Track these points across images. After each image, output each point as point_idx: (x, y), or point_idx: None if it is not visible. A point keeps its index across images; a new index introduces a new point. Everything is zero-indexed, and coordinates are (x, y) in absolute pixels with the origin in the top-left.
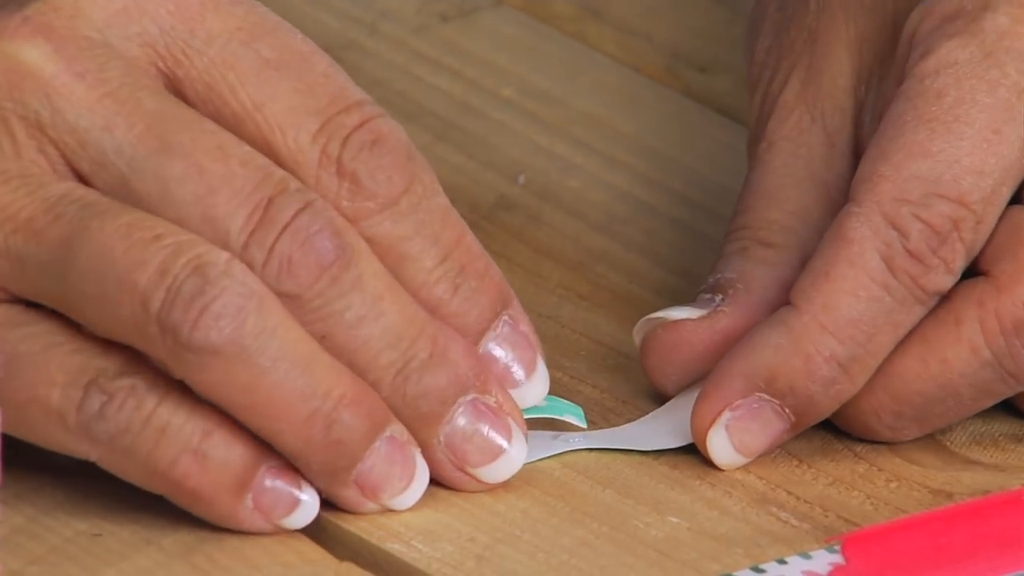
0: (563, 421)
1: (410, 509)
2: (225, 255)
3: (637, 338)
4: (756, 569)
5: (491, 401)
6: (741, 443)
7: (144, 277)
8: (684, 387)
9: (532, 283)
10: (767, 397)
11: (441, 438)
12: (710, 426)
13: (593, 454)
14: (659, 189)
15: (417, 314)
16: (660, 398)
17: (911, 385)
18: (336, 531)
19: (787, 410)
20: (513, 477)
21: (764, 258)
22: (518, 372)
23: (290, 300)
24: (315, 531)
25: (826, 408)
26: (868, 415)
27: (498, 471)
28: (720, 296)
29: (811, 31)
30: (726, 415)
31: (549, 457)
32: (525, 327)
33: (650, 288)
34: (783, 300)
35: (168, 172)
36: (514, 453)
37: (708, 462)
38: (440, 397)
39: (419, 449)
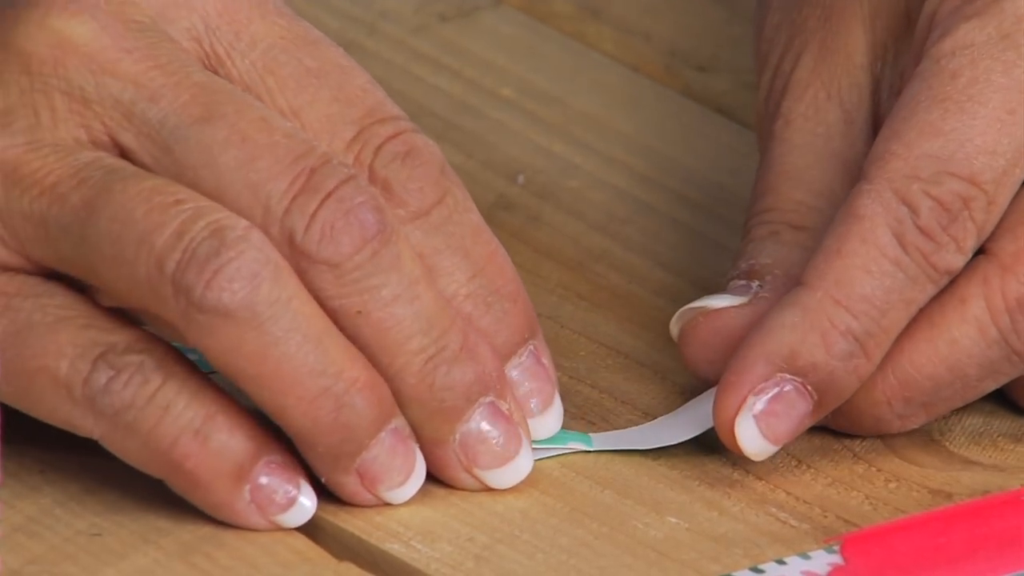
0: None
1: (409, 508)
2: (244, 222)
3: (675, 329)
4: (755, 569)
5: (505, 408)
6: (768, 428)
7: (161, 238)
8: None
9: (532, 283)
10: (789, 376)
11: (457, 436)
12: (736, 414)
13: (592, 454)
14: (658, 188)
15: (449, 306)
16: (661, 398)
17: (922, 369)
18: (335, 531)
19: (809, 388)
20: None
21: (797, 241)
22: (535, 405)
23: (328, 269)
24: (313, 531)
25: (846, 385)
26: (880, 404)
27: (504, 477)
28: (757, 282)
29: (825, 7)
30: (751, 401)
31: (548, 457)
32: (547, 360)
33: (649, 288)
34: None
35: (211, 139)
36: (522, 462)
37: (707, 463)
38: (466, 393)
39: (418, 445)
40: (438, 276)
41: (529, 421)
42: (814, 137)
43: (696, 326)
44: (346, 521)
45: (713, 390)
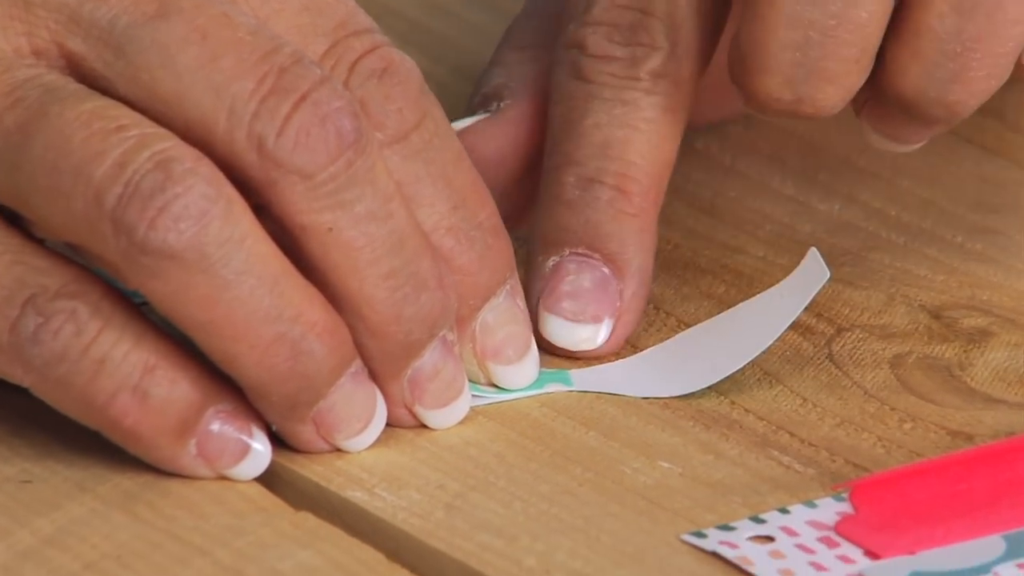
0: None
1: (373, 453)
2: (193, 153)
3: None
4: (755, 519)
5: (451, 338)
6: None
7: (101, 170)
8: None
9: None
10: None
11: (409, 372)
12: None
13: (575, 392)
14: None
15: (419, 229)
16: None
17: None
18: (291, 477)
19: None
20: (487, 417)
21: (523, 59)
22: (512, 352)
23: (300, 181)
24: (268, 477)
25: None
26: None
27: (443, 418)
28: (496, 103)
29: None
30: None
31: (527, 396)
32: (521, 302)
33: None
34: None
35: (168, 37)
36: (462, 403)
37: (702, 402)
38: (431, 325)
39: (379, 389)
40: (417, 207)
41: (505, 369)
42: None
43: None
44: (304, 467)
45: (716, 343)
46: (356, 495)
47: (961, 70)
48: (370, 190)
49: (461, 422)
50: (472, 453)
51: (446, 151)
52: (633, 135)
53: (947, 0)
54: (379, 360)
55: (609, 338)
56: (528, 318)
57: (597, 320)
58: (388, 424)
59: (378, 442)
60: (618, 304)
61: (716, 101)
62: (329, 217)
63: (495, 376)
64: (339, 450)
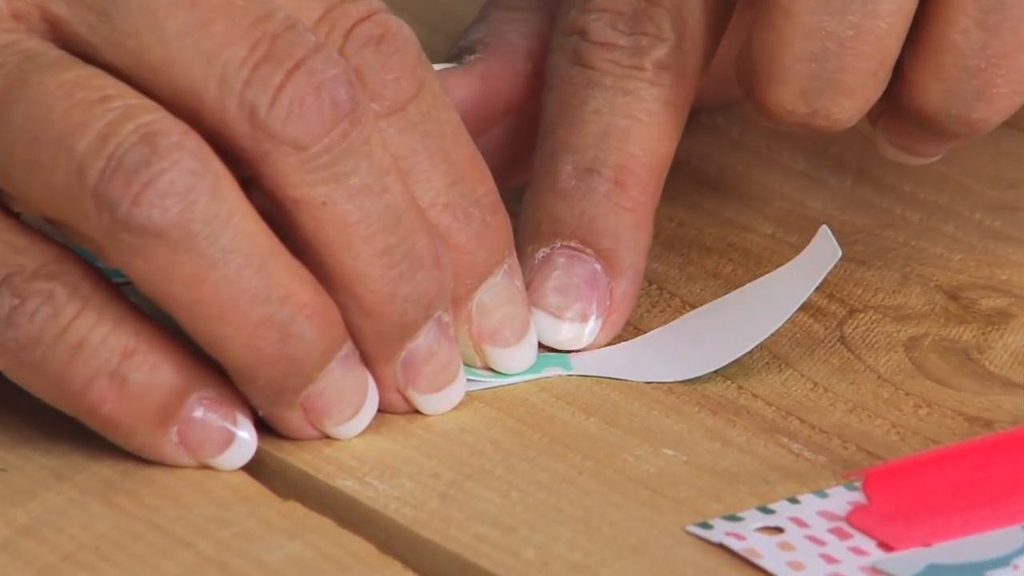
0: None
1: (364, 440)
2: (180, 126)
3: None
4: (764, 509)
5: (447, 319)
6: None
7: (83, 142)
8: None
9: None
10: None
11: (403, 354)
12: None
13: (575, 376)
14: None
15: (416, 205)
16: None
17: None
18: (279, 466)
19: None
20: (482, 402)
21: (506, 18)
22: (509, 334)
23: (294, 152)
24: (254, 465)
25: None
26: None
27: (438, 403)
28: (469, 56)
29: None
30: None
31: (524, 381)
32: (519, 282)
33: None
34: (538, 48)
35: (156, 1)
36: (458, 388)
37: (708, 386)
38: (426, 305)
39: (370, 373)
40: (414, 182)
41: (502, 352)
42: None
43: None
44: (292, 454)
45: (723, 325)
46: (346, 484)
47: (985, 87)
48: (366, 163)
49: (456, 407)
50: (467, 440)
51: (444, 124)
52: (634, 126)
53: (971, 15)
54: (372, 341)
55: (595, 338)
56: (526, 299)
57: (584, 319)
58: (380, 410)
59: (369, 429)
60: (608, 303)
61: (716, 92)
62: (323, 191)
63: (491, 359)
64: (329, 437)
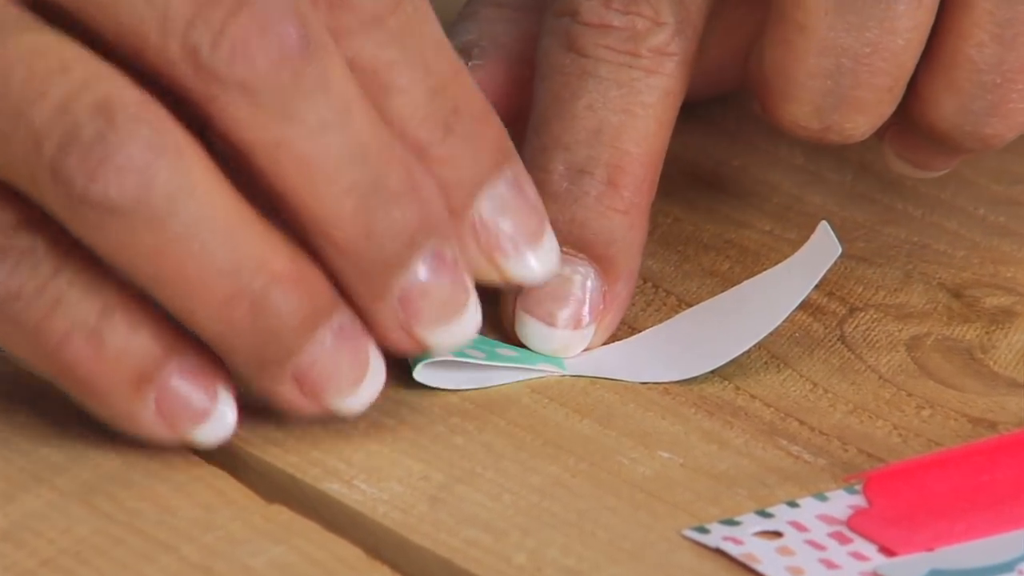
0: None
1: (351, 442)
2: (140, 96)
3: None
4: (762, 513)
5: (450, 255)
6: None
7: (40, 113)
8: None
9: None
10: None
11: (397, 291)
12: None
13: (569, 377)
14: None
15: (391, 139)
16: None
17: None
18: (263, 468)
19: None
20: (473, 403)
21: (499, 16)
22: (520, 242)
23: (241, 94)
24: (239, 468)
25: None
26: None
27: (448, 336)
28: (465, 60)
29: None
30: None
31: (516, 381)
32: (530, 189)
33: None
34: (529, 51)
35: None
36: (469, 319)
37: (705, 387)
38: (409, 238)
39: (374, 342)
40: (391, 95)
41: (516, 262)
42: None
43: None
44: (277, 457)
45: (720, 324)
46: (333, 487)
47: (999, 102)
48: (323, 99)
49: (446, 409)
50: (458, 442)
51: (425, 36)
52: (629, 121)
53: (987, 29)
54: (357, 279)
55: (589, 343)
56: (540, 206)
57: (577, 325)
58: (388, 355)
59: (357, 431)
60: (601, 308)
61: (709, 85)
62: (276, 131)
63: (506, 271)
64: (331, 414)
